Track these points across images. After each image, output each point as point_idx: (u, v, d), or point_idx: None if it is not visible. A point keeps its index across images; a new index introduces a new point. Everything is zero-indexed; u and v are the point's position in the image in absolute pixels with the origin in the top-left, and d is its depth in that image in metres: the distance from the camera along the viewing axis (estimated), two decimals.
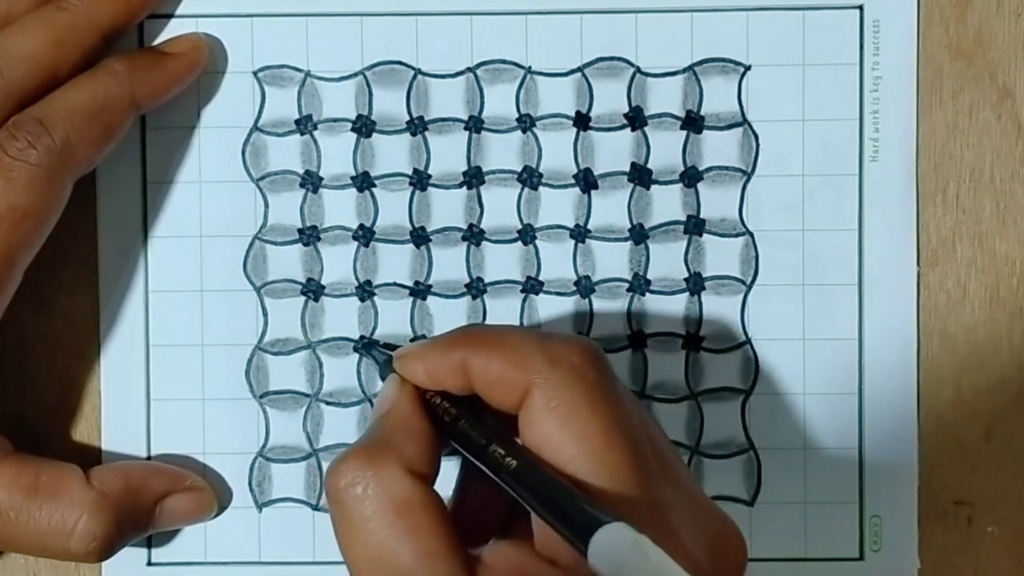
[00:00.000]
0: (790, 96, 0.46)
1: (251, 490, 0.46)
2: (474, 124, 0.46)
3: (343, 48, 0.46)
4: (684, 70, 0.46)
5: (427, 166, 0.46)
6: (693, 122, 0.46)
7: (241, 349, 0.46)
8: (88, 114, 0.42)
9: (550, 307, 0.46)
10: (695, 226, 0.46)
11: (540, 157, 0.46)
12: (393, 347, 0.43)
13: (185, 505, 0.45)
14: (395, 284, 0.46)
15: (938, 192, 0.46)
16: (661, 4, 0.45)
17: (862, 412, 0.46)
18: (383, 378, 0.42)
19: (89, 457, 0.46)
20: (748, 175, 0.46)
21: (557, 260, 0.46)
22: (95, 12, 0.43)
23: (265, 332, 0.46)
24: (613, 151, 0.46)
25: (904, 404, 0.46)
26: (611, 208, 0.46)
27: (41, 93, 0.42)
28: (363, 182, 0.46)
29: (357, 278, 0.46)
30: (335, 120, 0.46)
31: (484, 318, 0.46)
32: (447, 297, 0.46)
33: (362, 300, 0.46)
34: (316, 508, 0.46)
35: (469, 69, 0.46)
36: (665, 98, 0.46)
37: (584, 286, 0.46)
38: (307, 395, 0.46)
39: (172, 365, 0.46)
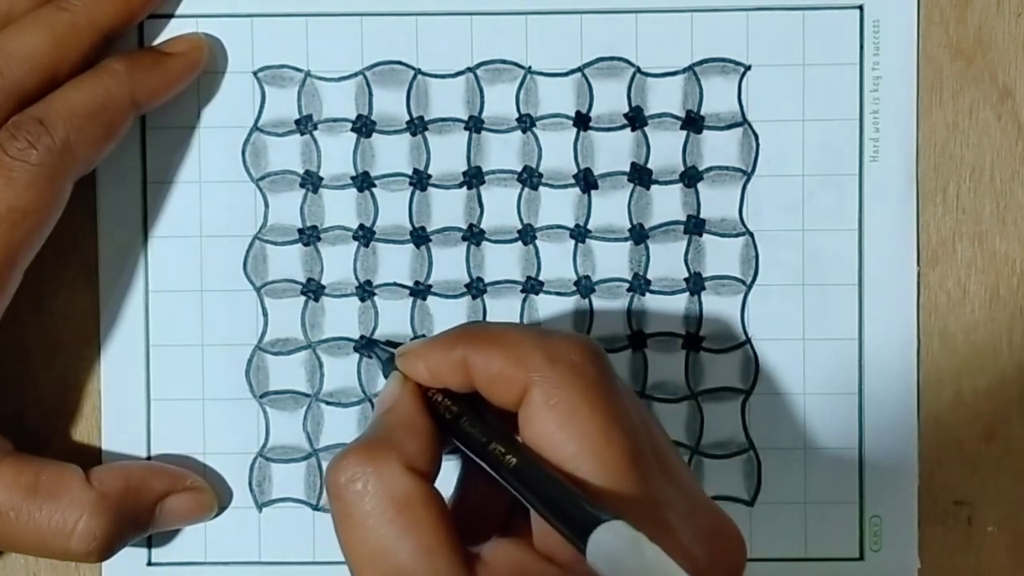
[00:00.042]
0: (790, 96, 0.46)
1: (251, 490, 0.46)
2: (474, 124, 0.46)
3: (343, 48, 0.46)
4: (684, 70, 0.46)
5: (427, 166, 0.46)
6: (693, 122, 0.46)
7: (241, 349, 0.46)
8: (88, 114, 0.42)
9: (550, 307, 0.46)
10: (695, 226, 0.46)
11: (540, 157, 0.46)
12: (395, 345, 0.43)
13: (185, 505, 0.45)
14: (395, 284, 0.46)
15: (938, 192, 0.46)
16: (661, 4, 0.45)
17: (862, 412, 0.46)
18: (386, 376, 0.42)
19: (89, 457, 0.46)
20: (748, 175, 0.46)
21: (557, 260, 0.46)
22: (95, 12, 0.43)
23: (265, 332, 0.46)
24: (613, 151, 0.46)
25: (904, 404, 0.46)
26: (611, 208, 0.46)
27: (41, 93, 0.42)
28: (363, 182, 0.46)
29: (357, 278, 0.46)
30: (335, 120, 0.46)
31: (484, 318, 0.46)
32: (447, 297, 0.46)
33: (362, 300, 0.46)
34: (316, 508, 0.46)
35: (469, 69, 0.46)
36: (665, 98, 0.46)
37: (584, 286, 0.46)
38: (307, 395, 0.46)
39: (172, 365, 0.46)
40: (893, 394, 0.46)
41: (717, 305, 0.46)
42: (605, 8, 0.45)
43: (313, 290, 0.46)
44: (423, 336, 0.46)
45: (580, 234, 0.46)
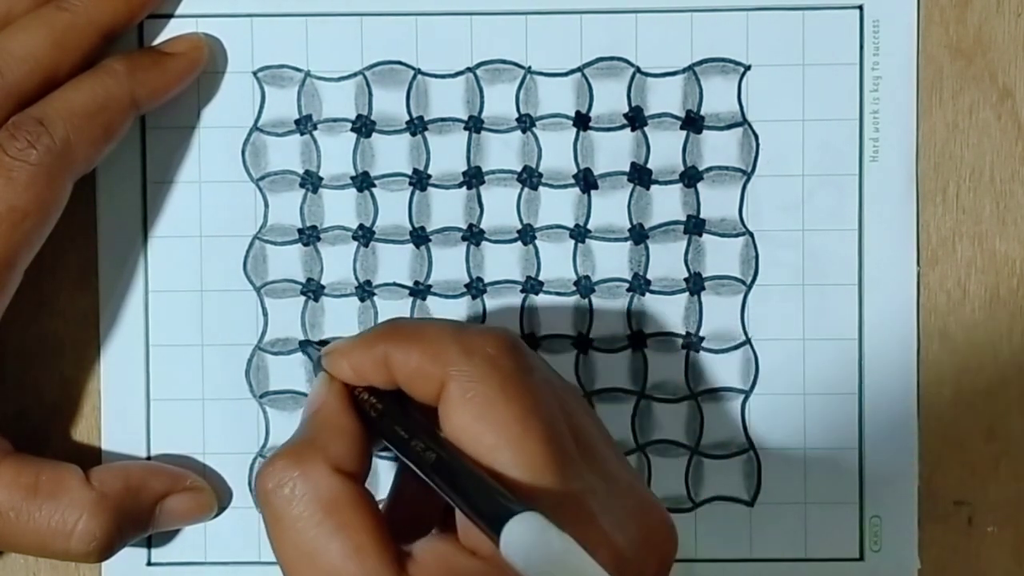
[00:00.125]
0: (790, 96, 0.46)
1: (251, 490, 0.46)
2: (474, 124, 0.46)
3: (343, 48, 0.46)
4: (684, 70, 0.46)
5: (427, 166, 0.46)
6: (693, 122, 0.46)
7: (241, 349, 0.46)
8: (88, 114, 0.42)
9: (550, 307, 0.46)
10: (695, 226, 0.46)
11: (540, 157, 0.46)
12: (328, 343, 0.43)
13: (185, 505, 0.45)
14: (395, 284, 0.46)
15: (938, 192, 0.46)
16: (661, 4, 0.45)
17: (862, 412, 0.46)
18: (316, 374, 0.42)
19: (89, 457, 0.46)
20: (748, 175, 0.46)
21: (557, 260, 0.46)
22: (95, 12, 0.43)
23: (265, 332, 0.46)
24: (613, 151, 0.46)
25: (904, 404, 0.46)
26: (611, 208, 0.46)
27: (41, 93, 0.42)
28: (363, 182, 0.46)
29: (357, 278, 0.46)
30: (335, 120, 0.46)
31: (484, 318, 0.46)
32: (447, 297, 0.46)
33: (362, 300, 0.46)
34: None
35: (469, 69, 0.46)
36: (665, 98, 0.46)
37: (584, 286, 0.46)
38: (307, 395, 0.46)
39: (172, 365, 0.46)
40: (893, 394, 0.46)
41: (717, 305, 0.46)
42: (605, 8, 0.45)
43: (313, 290, 0.46)
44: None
45: (580, 234, 0.46)
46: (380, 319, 0.46)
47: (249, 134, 0.46)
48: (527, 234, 0.46)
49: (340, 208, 0.46)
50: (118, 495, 0.43)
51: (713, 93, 0.46)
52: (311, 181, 0.46)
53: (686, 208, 0.46)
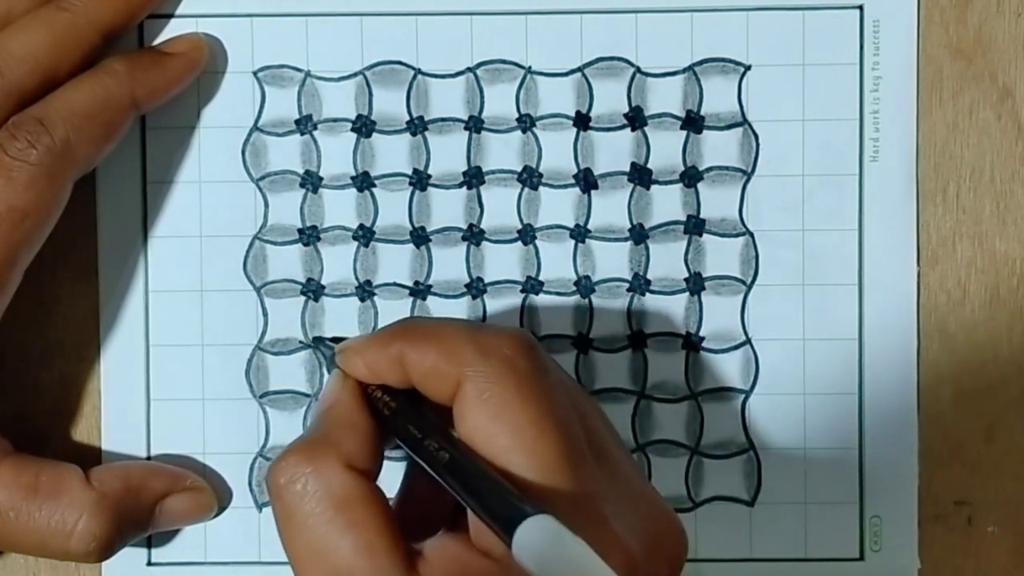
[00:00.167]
0: (790, 96, 0.46)
1: (251, 490, 0.46)
2: (474, 124, 0.46)
3: (343, 48, 0.46)
4: (684, 70, 0.46)
5: (427, 166, 0.46)
6: (693, 122, 0.46)
7: (241, 349, 0.46)
8: (88, 114, 0.42)
9: (550, 307, 0.46)
10: (695, 226, 0.46)
11: (540, 157, 0.46)
12: (339, 342, 0.42)
13: (185, 505, 0.45)
14: (395, 284, 0.46)
15: (938, 192, 0.46)
16: (661, 4, 0.45)
17: (862, 412, 0.46)
18: (329, 371, 0.42)
19: (89, 457, 0.46)
20: (748, 175, 0.46)
21: (557, 260, 0.46)
22: (95, 12, 0.43)
23: (265, 332, 0.46)
24: (613, 151, 0.46)
25: (904, 404, 0.46)
26: (611, 208, 0.46)
27: (41, 93, 0.42)
28: (363, 182, 0.46)
29: (357, 278, 0.46)
30: (335, 120, 0.46)
31: (484, 318, 0.46)
32: (447, 297, 0.46)
33: (362, 300, 0.46)
34: None
35: (469, 69, 0.46)
36: (665, 98, 0.46)
37: (584, 286, 0.46)
38: (307, 395, 0.46)
39: (172, 365, 0.46)
40: (893, 394, 0.46)
41: (717, 305, 0.46)
42: (605, 8, 0.45)
43: (313, 290, 0.46)
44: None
45: (580, 234, 0.46)
46: (380, 319, 0.46)
47: (249, 134, 0.46)
48: (527, 234, 0.46)
49: (340, 208, 0.46)
50: (118, 495, 0.43)
51: (713, 93, 0.46)
52: (311, 181, 0.46)
53: (686, 208, 0.46)
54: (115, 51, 0.44)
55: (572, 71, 0.46)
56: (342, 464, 0.37)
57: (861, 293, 0.46)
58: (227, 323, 0.46)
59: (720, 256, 0.46)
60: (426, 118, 0.46)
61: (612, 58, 0.46)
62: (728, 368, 0.46)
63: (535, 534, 0.33)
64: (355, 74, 0.46)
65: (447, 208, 0.46)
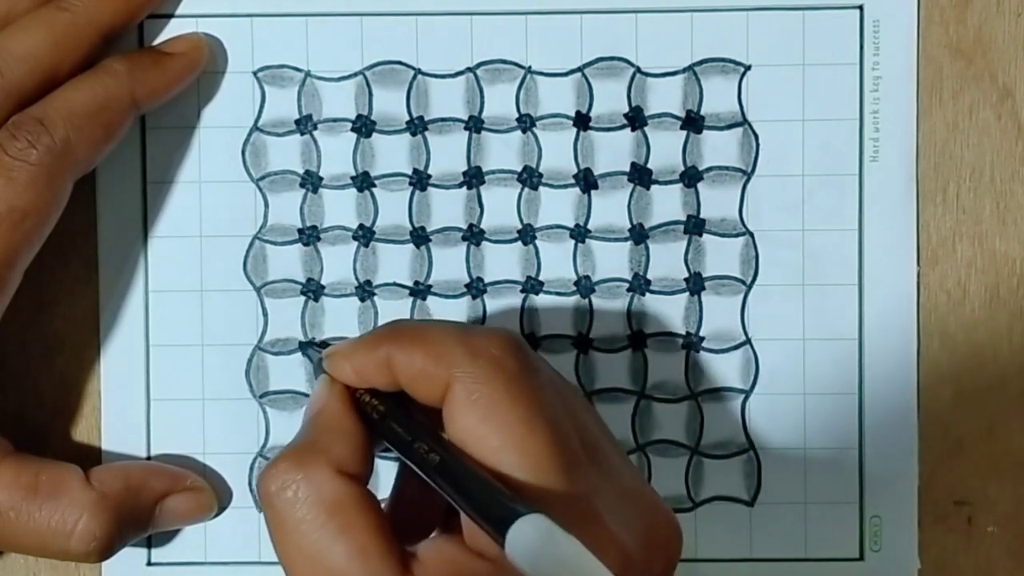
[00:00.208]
0: (790, 96, 0.46)
1: (251, 490, 0.46)
2: (474, 124, 0.46)
3: (343, 48, 0.46)
4: (684, 70, 0.46)
5: (427, 166, 0.46)
6: (693, 122, 0.46)
7: (241, 349, 0.46)
8: (88, 114, 0.42)
9: (550, 307, 0.46)
10: (695, 226, 0.46)
11: (540, 157, 0.46)
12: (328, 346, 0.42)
13: (185, 505, 0.45)
14: (395, 284, 0.46)
15: (938, 192, 0.46)
16: (661, 4, 0.45)
17: (862, 412, 0.46)
18: (317, 376, 0.42)
19: (89, 457, 0.46)
20: (748, 175, 0.46)
21: (557, 260, 0.46)
22: (95, 12, 0.43)
23: (265, 332, 0.46)
24: (613, 151, 0.46)
25: (904, 404, 0.46)
26: (611, 208, 0.46)
27: (41, 93, 0.42)
28: (363, 182, 0.46)
29: (357, 278, 0.46)
30: (335, 120, 0.46)
31: (484, 318, 0.46)
32: (447, 297, 0.46)
33: (362, 300, 0.46)
34: None
35: (469, 69, 0.46)
36: (665, 98, 0.46)
37: (584, 286, 0.46)
38: (307, 395, 0.46)
39: (172, 365, 0.46)
40: (893, 394, 0.46)
41: (717, 305, 0.46)
42: (605, 8, 0.45)
43: (313, 290, 0.46)
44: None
45: (580, 234, 0.46)
46: (380, 319, 0.46)
47: (249, 134, 0.46)
48: (527, 234, 0.46)
49: (340, 208, 0.46)
50: (118, 495, 0.43)
51: (713, 93, 0.46)
52: (311, 181, 0.46)
53: (686, 208, 0.46)
54: (115, 51, 0.44)
55: (572, 71, 0.46)
56: (332, 469, 0.37)
57: (861, 293, 0.46)
58: (227, 323, 0.46)
59: (720, 256, 0.46)
60: (426, 118, 0.46)
61: (612, 58, 0.46)
62: (728, 368, 0.46)
63: (527, 534, 0.33)
64: (355, 74, 0.46)
65: (447, 208, 0.46)
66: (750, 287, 0.46)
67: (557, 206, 0.46)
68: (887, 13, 0.45)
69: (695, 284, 0.46)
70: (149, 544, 0.46)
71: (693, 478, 0.46)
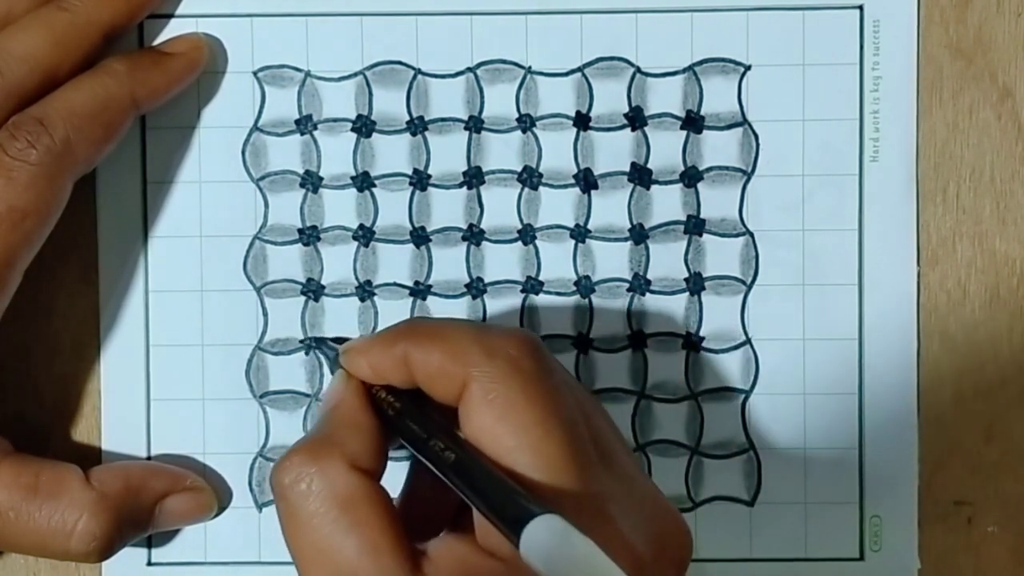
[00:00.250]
0: (790, 96, 0.46)
1: (251, 490, 0.46)
2: (474, 124, 0.46)
3: (343, 48, 0.46)
4: (684, 70, 0.46)
5: (427, 166, 0.46)
6: (693, 122, 0.46)
7: (241, 349, 0.46)
8: (88, 114, 0.42)
9: (550, 307, 0.46)
10: (695, 226, 0.46)
11: (540, 157, 0.46)
12: (342, 343, 0.42)
13: (185, 505, 0.45)
14: (395, 284, 0.46)
15: (938, 192, 0.46)
16: (661, 4, 0.45)
17: (862, 412, 0.46)
18: (332, 372, 0.42)
19: (89, 457, 0.46)
20: (748, 175, 0.46)
21: (557, 260, 0.46)
22: (95, 12, 0.43)
23: (265, 332, 0.46)
24: (613, 151, 0.46)
25: (904, 404, 0.46)
26: (611, 208, 0.46)
27: (41, 93, 0.42)
28: (363, 182, 0.46)
29: (357, 278, 0.46)
30: (335, 120, 0.46)
31: (484, 318, 0.46)
32: (447, 297, 0.46)
33: (362, 300, 0.46)
34: None
35: (469, 69, 0.46)
36: (665, 98, 0.46)
37: (584, 286, 0.46)
38: (307, 395, 0.46)
39: (172, 365, 0.46)
40: (893, 394, 0.46)
41: (717, 305, 0.46)
42: (605, 8, 0.45)
43: (313, 290, 0.46)
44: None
45: (580, 234, 0.46)
46: (380, 319, 0.46)
47: (249, 134, 0.46)
48: (527, 234, 0.46)
49: (340, 208, 0.46)
50: (118, 495, 0.43)
51: (713, 93, 0.46)
52: (311, 181, 0.46)
53: (686, 208, 0.46)
54: (115, 51, 0.44)
55: (572, 71, 0.46)
56: (346, 464, 0.37)
57: (861, 293, 0.46)
58: (227, 323, 0.46)
59: (720, 256, 0.46)
60: (426, 118, 0.46)
61: (612, 58, 0.46)
62: (728, 368, 0.46)
63: (543, 534, 0.33)
64: (355, 74, 0.46)
65: (447, 208, 0.46)
66: (750, 287, 0.46)
67: (557, 206, 0.46)
68: (887, 13, 0.45)
69: (695, 284, 0.46)
70: (149, 544, 0.46)
71: (693, 478, 0.46)
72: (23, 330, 0.46)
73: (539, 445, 0.36)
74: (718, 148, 0.46)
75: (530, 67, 0.46)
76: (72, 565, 0.46)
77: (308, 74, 0.46)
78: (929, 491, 0.46)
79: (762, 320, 0.46)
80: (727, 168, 0.46)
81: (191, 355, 0.46)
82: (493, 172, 0.46)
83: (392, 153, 0.46)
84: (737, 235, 0.46)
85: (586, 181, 0.46)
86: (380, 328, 0.46)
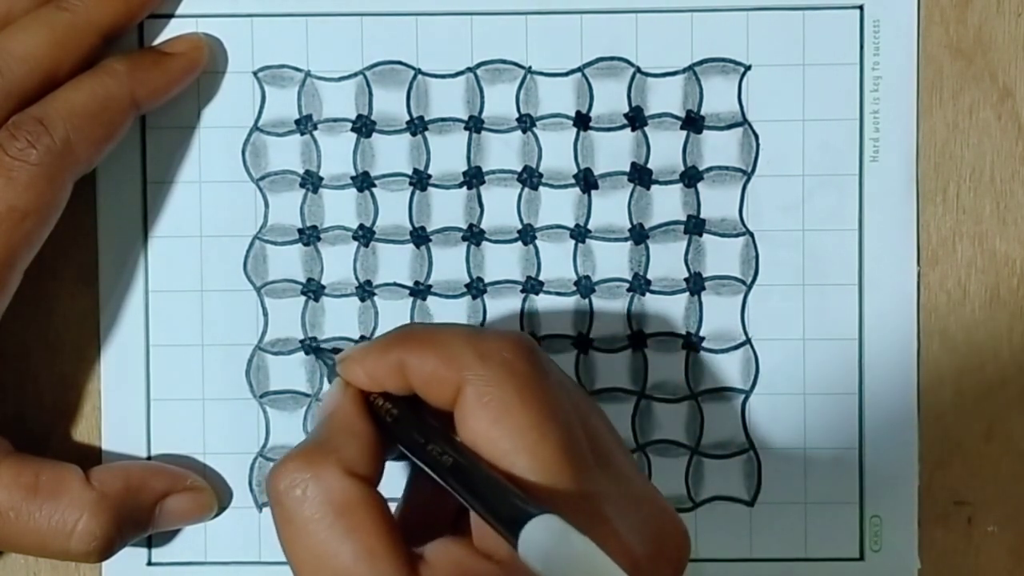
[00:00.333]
0: (790, 96, 0.46)
1: (251, 490, 0.46)
2: (474, 124, 0.46)
3: (343, 48, 0.46)
4: (684, 70, 0.46)
5: (427, 166, 0.46)
6: (693, 122, 0.46)
7: (241, 349, 0.46)
8: (88, 114, 0.42)
9: (550, 307, 0.46)
10: (695, 226, 0.46)
11: (540, 157, 0.46)
12: (340, 351, 0.43)
13: (185, 505, 0.45)
14: (395, 284, 0.46)
15: (938, 192, 0.46)
16: (661, 4, 0.45)
17: (862, 412, 0.46)
18: (331, 381, 0.42)
19: (89, 457, 0.46)
20: (748, 175, 0.46)
21: (557, 260, 0.46)
22: (95, 12, 0.43)
23: (265, 332, 0.46)
24: (613, 151, 0.46)
25: (904, 404, 0.46)
26: (611, 208, 0.46)
27: (41, 93, 0.42)
28: (363, 182, 0.46)
29: (357, 278, 0.46)
30: (335, 120, 0.46)
31: (484, 318, 0.46)
32: (447, 297, 0.46)
33: (362, 300, 0.46)
34: None
35: (469, 69, 0.46)
36: (665, 98, 0.46)
37: (584, 286, 0.46)
38: (307, 395, 0.46)
39: (172, 365, 0.46)
40: (893, 394, 0.46)
41: (717, 305, 0.46)
42: (605, 8, 0.45)
43: (313, 290, 0.46)
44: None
45: (580, 234, 0.46)
46: (380, 319, 0.46)
47: (249, 134, 0.46)
48: (527, 234, 0.46)
49: (340, 208, 0.46)
50: (118, 495, 0.43)
51: (713, 93, 0.46)
52: (311, 181, 0.46)
53: (686, 208, 0.46)
54: (115, 51, 0.44)
55: (572, 71, 0.46)
56: (342, 470, 0.37)
57: (861, 293, 0.46)
58: (227, 323, 0.46)
59: (720, 256, 0.46)
60: (426, 118, 0.46)
61: (612, 58, 0.46)
62: (728, 368, 0.46)
63: (541, 534, 0.33)
64: (355, 74, 0.46)
65: (447, 208, 0.46)
66: (750, 287, 0.46)
67: (557, 206, 0.46)
68: (887, 13, 0.45)
69: (695, 284, 0.46)
70: (149, 544, 0.46)
71: (693, 478, 0.46)
72: (23, 330, 0.46)
73: (535, 447, 0.36)
74: (718, 148, 0.46)
75: (530, 67, 0.46)
76: (72, 565, 0.46)
77: (308, 74, 0.46)
78: (929, 491, 0.46)
79: (762, 320, 0.46)
80: (727, 168, 0.46)
81: (191, 355, 0.46)
82: (493, 172, 0.46)
83: (392, 153, 0.46)
84: (737, 235, 0.46)
85: (586, 181, 0.46)
86: (380, 329, 0.46)
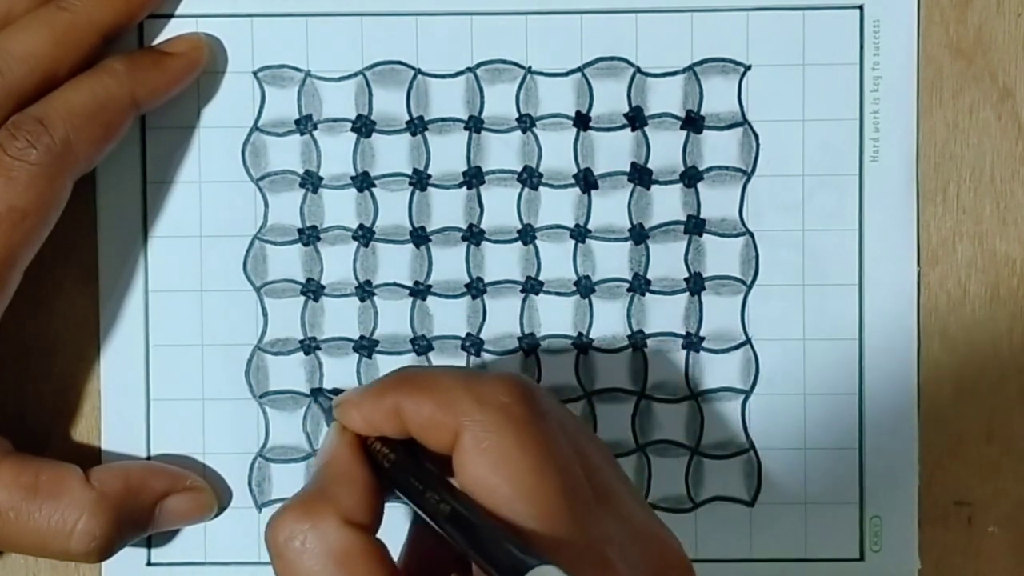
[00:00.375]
0: (790, 96, 0.46)
1: (251, 490, 0.46)
2: (474, 124, 0.46)
3: (343, 48, 0.46)
4: (684, 70, 0.46)
5: (427, 166, 0.46)
6: (693, 122, 0.46)
7: (241, 349, 0.46)
8: (88, 114, 0.42)
9: (550, 307, 0.46)
10: (695, 226, 0.46)
11: (540, 157, 0.46)
12: (339, 394, 0.42)
13: (185, 505, 0.45)
14: (395, 284, 0.46)
15: (938, 192, 0.46)
16: (661, 4, 0.45)
17: (862, 412, 0.46)
18: (328, 424, 0.42)
19: (89, 457, 0.46)
20: (748, 175, 0.46)
21: (557, 260, 0.46)
22: (95, 12, 0.43)
23: (265, 332, 0.46)
24: (613, 151, 0.46)
25: (904, 404, 0.46)
26: (611, 208, 0.46)
27: (41, 93, 0.42)
28: (363, 182, 0.46)
29: (357, 278, 0.46)
30: (335, 120, 0.46)
31: (484, 318, 0.46)
32: (447, 297, 0.46)
33: (362, 300, 0.46)
34: None
35: (469, 69, 0.46)
36: (665, 98, 0.46)
37: (584, 286, 0.46)
38: (307, 395, 0.46)
39: (172, 365, 0.46)
40: (893, 394, 0.46)
41: (717, 305, 0.46)
42: (605, 8, 0.45)
43: (313, 290, 0.46)
44: (422, 337, 0.46)
45: (580, 234, 0.46)
46: (380, 319, 0.46)
47: (249, 134, 0.46)
48: (527, 234, 0.46)
49: (340, 208, 0.46)
50: (118, 495, 0.43)
51: (713, 93, 0.46)
52: (311, 181, 0.46)
53: (686, 208, 0.46)
54: (115, 51, 0.44)
55: (572, 71, 0.46)
56: (340, 519, 0.36)
57: (861, 293, 0.46)
58: (227, 323, 0.46)
59: (720, 256, 0.46)
60: (426, 118, 0.46)
61: (612, 58, 0.46)
62: (728, 368, 0.46)
63: None
64: (355, 74, 0.46)
65: (447, 208, 0.46)
66: (750, 287, 0.46)
67: (557, 206, 0.46)
68: (887, 13, 0.45)
69: (695, 284, 0.46)
70: (149, 544, 0.46)
71: (693, 478, 0.46)
72: (23, 330, 0.46)
73: (534, 494, 0.36)
74: (718, 148, 0.46)
75: (530, 67, 0.46)
76: (72, 565, 0.46)
77: (308, 74, 0.46)
78: (929, 491, 0.46)
79: (762, 320, 0.46)
80: (727, 168, 0.46)
81: (191, 355, 0.46)
82: (493, 172, 0.46)
83: (392, 153, 0.46)
84: (737, 235, 0.46)
85: (586, 181, 0.46)
86: (380, 329, 0.46)
